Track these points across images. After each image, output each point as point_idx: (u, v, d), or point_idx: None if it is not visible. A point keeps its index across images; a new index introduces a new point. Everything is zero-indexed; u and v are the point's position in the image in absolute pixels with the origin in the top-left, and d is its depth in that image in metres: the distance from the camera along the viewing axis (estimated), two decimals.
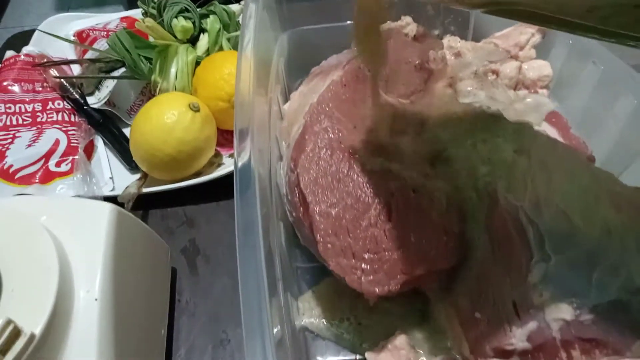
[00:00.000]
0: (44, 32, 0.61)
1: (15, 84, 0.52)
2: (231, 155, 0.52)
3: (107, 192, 0.47)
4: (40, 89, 0.54)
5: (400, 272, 0.30)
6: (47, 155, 0.48)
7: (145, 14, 0.60)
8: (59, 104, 0.53)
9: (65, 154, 0.48)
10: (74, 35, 0.63)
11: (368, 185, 0.32)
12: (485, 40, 0.50)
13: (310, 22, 0.49)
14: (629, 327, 0.26)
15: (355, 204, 0.31)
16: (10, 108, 0.51)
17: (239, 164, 0.31)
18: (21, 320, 0.23)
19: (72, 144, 0.49)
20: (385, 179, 0.33)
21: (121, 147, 0.52)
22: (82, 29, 0.63)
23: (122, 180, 0.49)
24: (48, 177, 0.46)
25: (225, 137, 0.52)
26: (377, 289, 0.30)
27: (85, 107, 0.54)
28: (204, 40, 0.56)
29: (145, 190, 0.46)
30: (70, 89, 0.54)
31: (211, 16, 0.58)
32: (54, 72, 0.56)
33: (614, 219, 0.29)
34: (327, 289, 0.37)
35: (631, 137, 0.38)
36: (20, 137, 0.49)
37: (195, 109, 0.46)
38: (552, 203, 0.30)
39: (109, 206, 0.30)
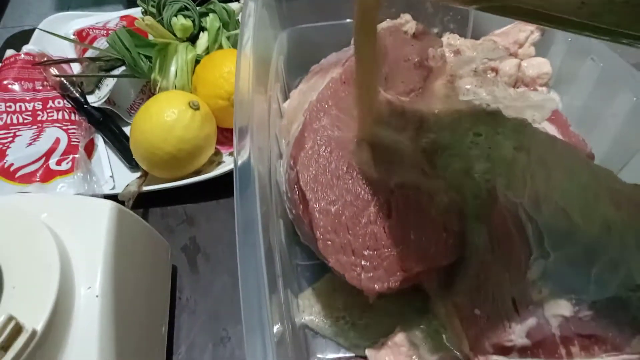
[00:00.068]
0: (44, 30, 0.60)
1: (16, 83, 0.52)
2: (231, 154, 0.52)
3: (107, 191, 0.47)
4: (40, 87, 0.54)
5: (400, 269, 0.30)
6: (48, 154, 0.48)
7: (145, 12, 0.60)
8: (59, 103, 0.53)
9: (65, 152, 0.48)
10: (73, 34, 0.63)
11: (367, 182, 0.32)
12: (484, 38, 0.50)
13: (310, 20, 0.49)
14: (628, 324, 0.26)
15: (355, 201, 0.32)
16: (10, 107, 0.51)
17: (239, 162, 0.31)
18: (23, 317, 0.23)
19: (72, 143, 0.49)
20: (384, 176, 0.33)
21: (121, 146, 0.52)
22: (82, 27, 0.64)
23: (123, 179, 0.49)
24: (49, 175, 0.47)
25: (225, 136, 0.52)
26: (376, 286, 0.30)
27: (85, 106, 0.54)
28: (203, 39, 0.56)
29: (145, 188, 0.46)
30: (71, 87, 0.54)
31: (211, 14, 0.58)
32: (54, 70, 0.56)
33: (613, 216, 0.29)
34: (327, 286, 0.37)
35: (630, 134, 0.38)
36: (20, 135, 0.49)
37: (195, 107, 0.46)
38: (552, 200, 0.30)
39: (109, 203, 0.30)
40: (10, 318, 0.23)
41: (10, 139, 0.49)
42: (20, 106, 0.51)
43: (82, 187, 0.45)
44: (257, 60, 0.37)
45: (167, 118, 0.45)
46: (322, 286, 0.38)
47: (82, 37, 0.61)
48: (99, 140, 0.54)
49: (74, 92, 0.54)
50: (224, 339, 0.38)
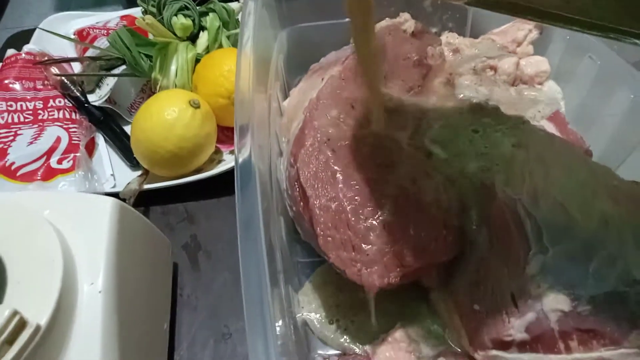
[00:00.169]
0: (44, 30, 0.61)
1: (17, 82, 0.53)
2: (231, 152, 0.52)
3: (108, 189, 0.47)
4: (41, 87, 0.54)
5: (400, 265, 0.31)
6: (49, 153, 0.48)
7: (145, 12, 0.60)
8: (60, 102, 0.54)
9: (66, 151, 0.49)
10: (74, 34, 0.64)
11: (367, 179, 0.33)
12: (483, 37, 0.50)
13: (309, 19, 0.49)
14: (625, 318, 0.27)
15: (355, 197, 0.32)
16: (11, 106, 0.51)
17: (240, 159, 0.31)
18: (27, 312, 0.24)
19: (73, 142, 0.50)
20: (384, 172, 0.33)
21: (122, 144, 0.52)
22: (82, 27, 0.64)
23: (124, 177, 0.49)
24: (50, 174, 0.47)
25: (225, 134, 0.52)
26: (377, 281, 0.30)
27: (86, 105, 0.54)
28: (203, 38, 0.57)
29: (146, 186, 0.46)
30: (71, 86, 0.55)
31: (210, 14, 0.58)
32: (54, 70, 0.56)
33: (611, 212, 0.29)
34: (320, 279, 0.38)
35: (628, 132, 0.39)
36: (21, 134, 0.49)
37: (196, 105, 0.46)
38: (550, 196, 0.30)
39: (111, 200, 0.31)
40: (15, 313, 0.23)
41: (11, 137, 0.49)
42: (21, 105, 0.52)
43: (83, 185, 0.45)
44: (257, 59, 0.37)
45: (167, 116, 0.45)
46: (317, 279, 0.38)
47: (83, 37, 0.61)
48: (100, 139, 0.54)
49: (75, 91, 0.55)
50: (225, 335, 0.38)
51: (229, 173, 0.47)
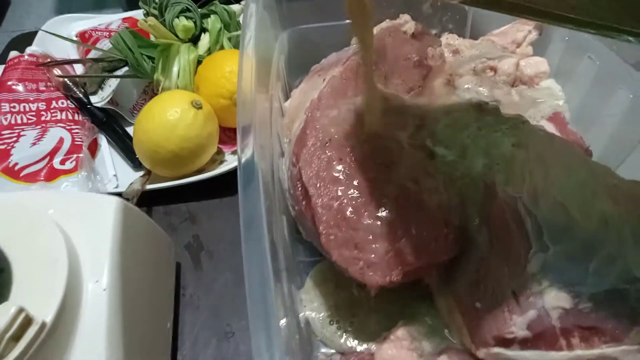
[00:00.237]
0: (47, 32, 0.61)
1: (20, 84, 0.53)
2: (233, 153, 0.52)
3: (111, 189, 0.47)
4: (44, 88, 0.54)
5: (402, 264, 0.31)
6: (52, 154, 0.48)
7: (147, 14, 0.60)
8: (62, 103, 0.54)
9: (69, 152, 0.49)
10: (76, 36, 0.64)
11: (369, 178, 0.33)
12: (482, 38, 0.50)
13: (310, 20, 0.50)
14: (626, 315, 0.27)
15: (357, 196, 0.32)
16: (14, 107, 0.51)
17: (243, 159, 0.31)
18: (32, 309, 0.24)
19: (76, 142, 0.50)
20: (386, 172, 0.33)
21: (124, 145, 0.52)
22: (84, 29, 0.64)
23: (126, 178, 0.50)
24: (53, 174, 0.47)
25: (227, 135, 0.53)
26: (379, 280, 0.30)
27: (88, 106, 0.54)
28: (205, 40, 0.57)
29: (148, 186, 0.47)
30: (74, 88, 0.55)
31: (212, 16, 0.58)
32: (57, 71, 0.56)
33: (611, 211, 0.30)
34: (322, 276, 0.38)
35: (627, 132, 0.39)
36: (24, 135, 0.50)
37: (198, 106, 0.46)
38: (550, 196, 0.31)
39: (115, 199, 0.31)
40: (21, 310, 0.23)
41: (14, 138, 0.49)
42: (24, 106, 0.52)
43: (86, 185, 0.45)
44: (258, 60, 0.38)
45: (170, 117, 0.45)
46: (317, 275, 0.38)
47: (85, 39, 0.62)
48: (102, 140, 0.54)
49: (77, 92, 0.55)
50: (228, 334, 0.38)
51: (231, 173, 0.47)
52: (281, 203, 0.37)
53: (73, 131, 0.51)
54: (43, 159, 0.48)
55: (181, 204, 0.48)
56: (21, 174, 0.47)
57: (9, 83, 0.53)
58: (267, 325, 0.24)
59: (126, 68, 0.54)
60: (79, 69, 0.60)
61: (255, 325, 0.24)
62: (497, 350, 0.29)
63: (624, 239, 0.29)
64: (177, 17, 0.56)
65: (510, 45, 0.48)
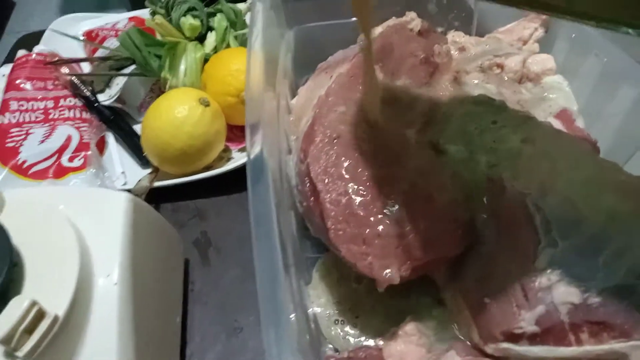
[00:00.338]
0: (55, 31, 0.61)
1: (28, 82, 0.53)
2: (240, 150, 0.53)
3: (119, 186, 0.48)
4: (51, 86, 0.55)
5: (411, 259, 0.31)
6: (60, 151, 0.49)
7: (154, 13, 0.61)
8: (70, 101, 0.54)
9: (77, 149, 0.49)
10: (83, 35, 0.64)
11: (377, 174, 0.33)
12: (488, 35, 0.50)
13: (316, 19, 0.50)
14: (635, 310, 0.27)
15: (365, 191, 0.32)
16: (22, 105, 0.52)
17: (252, 156, 0.31)
18: (45, 303, 0.24)
19: (84, 140, 0.50)
20: (394, 167, 0.33)
21: (132, 143, 0.53)
22: (91, 29, 0.65)
23: (134, 175, 0.50)
24: (61, 172, 0.47)
25: (234, 132, 0.53)
26: (387, 275, 0.30)
27: (96, 104, 0.55)
28: (211, 38, 0.57)
29: (156, 184, 0.47)
30: (81, 86, 0.55)
31: (218, 14, 0.58)
32: (65, 70, 0.57)
33: (619, 206, 0.30)
34: (327, 269, 0.38)
35: (634, 128, 0.39)
36: (33, 133, 0.50)
37: (205, 103, 0.47)
38: (558, 191, 0.31)
39: (125, 195, 0.31)
40: (34, 303, 0.23)
41: (23, 136, 0.49)
42: (32, 105, 0.52)
43: (95, 183, 0.46)
44: (266, 58, 0.38)
45: (177, 114, 0.45)
46: (321, 268, 0.38)
47: (92, 38, 0.62)
48: (110, 138, 0.54)
49: (85, 91, 0.55)
50: (237, 330, 0.38)
51: (239, 170, 0.47)
52: (289, 199, 0.37)
53: (81, 129, 0.51)
54: (51, 156, 0.48)
55: (189, 201, 0.49)
56: (30, 171, 0.47)
57: (17, 81, 0.53)
58: (277, 320, 0.24)
59: (133, 66, 0.54)
60: (86, 67, 0.60)
61: (266, 320, 0.24)
62: (505, 345, 0.29)
63: (632, 234, 0.29)
64: (184, 15, 0.57)
65: (517, 42, 0.48)
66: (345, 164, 0.33)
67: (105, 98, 0.55)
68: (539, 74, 0.47)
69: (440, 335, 0.33)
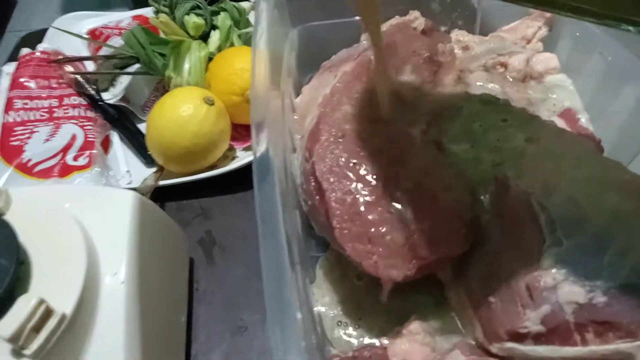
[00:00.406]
0: (59, 29, 0.61)
1: (32, 81, 0.53)
2: (245, 149, 0.53)
3: (124, 185, 0.48)
4: (55, 85, 0.55)
5: (416, 258, 0.31)
6: (65, 150, 0.49)
7: (157, 11, 0.61)
8: (74, 100, 0.54)
9: (82, 148, 0.49)
10: (86, 34, 0.64)
11: (382, 172, 0.33)
12: (492, 34, 0.50)
13: (320, 18, 0.50)
14: None
15: (370, 190, 0.32)
16: (27, 104, 0.52)
17: (258, 154, 0.31)
18: (52, 301, 0.24)
19: (88, 139, 0.50)
20: (399, 166, 0.33)
21: (137, 142, 0.53)
22: (94, 27, 0.65)
23: (139, 174, 0.50)
24: (66, 170, 0.47)
25: (238, 131, 0.53)
26: (393, 274, 0.30)
27: (100, 103, 0.55)
28: (215, 37, 0.57)
29: (161, 182, 0.47)
30: (86, 85, 0.55)
31: (222, 13, 0.58)
32: (69, 68, 0.57)
33: (622, 205, 0.30)
34: (330, 266, 0.38)
35: (638, 127, 0.39)
36: (37, 132, 0.50)
37: (210, 102, 0.47)
38: (562, 190, 0.31)
39: (131, 193, 0.31)
40: (41, 301, 0.24)
41: (27, 135, 0.50)
42: (36, 103, 0.52)
43: (100, 181, 0.46)
44: (270, 57, 0.38)
45: (182, 113, 0.45)
46: (324, 265, 0.38)
47: (96, 36, 0.62)
48: (115, 137, 0.55)
49: (89, 89, 0.55)
50: (241, 328, 0.39)
51: (243, 169, 0.47)
52: (294, 198, 0.38)
53: (85, 128, 0.52)
54: (56, 155, 0.48)
55: (193, 200, 0.49)
56: (34, 170, 0.47)
57: (22, 80, 0.53)
58: (283, 319, 0.24)
59: (137, 65, 0.54)
60: (90, 66, 0.60)
61: (272, 318, 0.24)
62: (510, 345, 0.29)
63: (636, 233, 0.29)
64: (188, 14, 0.57)
65: (520, 41, 0.48)
66: (351, 163, 0.33)
67: (109, 97, 0.55)
68: (543, 72, 0.47)
69: (444, 335, 0.33)
